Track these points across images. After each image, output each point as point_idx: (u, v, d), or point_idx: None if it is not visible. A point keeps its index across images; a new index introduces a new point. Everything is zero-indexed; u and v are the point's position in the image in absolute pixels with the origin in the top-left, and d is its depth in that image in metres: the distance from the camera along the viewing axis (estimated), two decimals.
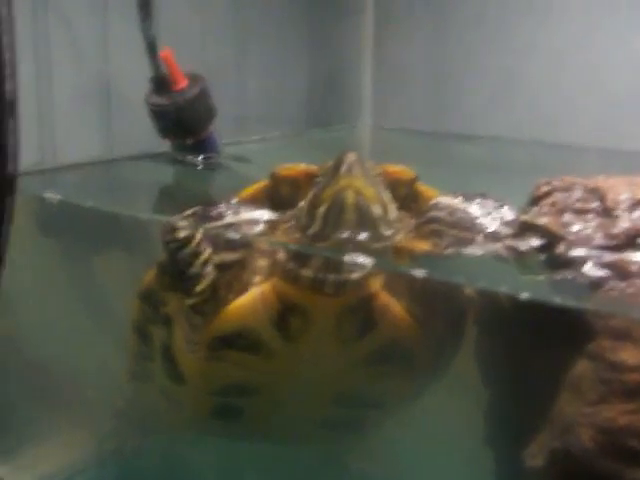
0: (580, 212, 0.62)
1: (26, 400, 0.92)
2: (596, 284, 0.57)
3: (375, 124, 1.54)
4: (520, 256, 0.62)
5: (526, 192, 0.67)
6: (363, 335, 0.70)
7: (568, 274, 0.58)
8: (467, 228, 0.68)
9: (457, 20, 1.40)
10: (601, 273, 0.57)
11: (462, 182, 0.92)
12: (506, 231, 0.66)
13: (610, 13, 1.22)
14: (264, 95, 1.38)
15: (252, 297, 0.71)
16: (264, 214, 0.72)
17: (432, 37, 1.43)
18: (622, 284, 0.56)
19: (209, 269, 0.70)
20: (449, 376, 0.74)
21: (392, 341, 0.71)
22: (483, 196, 0.70)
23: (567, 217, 0.62)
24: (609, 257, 0.58)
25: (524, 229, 0.64)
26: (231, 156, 1.10)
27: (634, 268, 0.57)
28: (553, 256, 0.60)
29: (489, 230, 0.67)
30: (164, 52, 1.01)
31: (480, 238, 0.67)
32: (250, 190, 0.75)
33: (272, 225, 0.72)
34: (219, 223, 0.71)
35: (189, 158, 1.07)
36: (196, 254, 0.70)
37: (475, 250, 0.66)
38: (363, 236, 0.64)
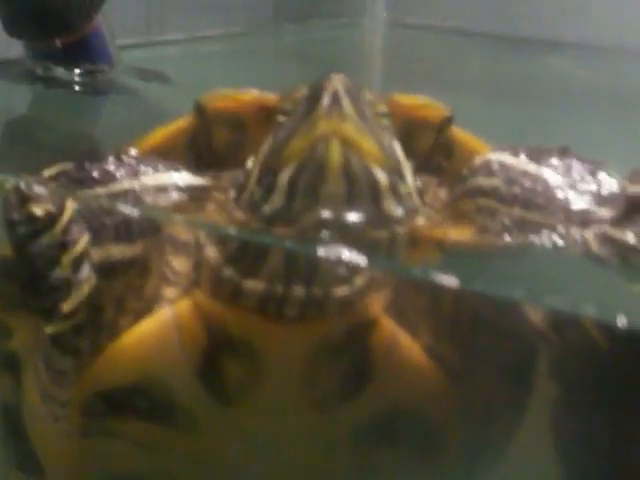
0: None
1: None
2: None
3: (391, 19, 1.53)
4: (627, 254, 0.60)
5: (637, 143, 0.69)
6: (352, 395, 0.68)
7: None
8: (537, 205, 0.67)
9: None
10: None
11: (529, 122, 0.90)
12: (604, 211, 0.65)
13: None
14: None
15: (159, 323, 0.68)
16: (183, 176, 0.70)
17: None
18: None
19: (86, 272, 0.66)
20: (504, 463, 0.72)
21: (403, 405, 0.69)
22: (564, 152, 0.69)
23: None
24: None
25: (634, 208, 0.62)
26: (134, 70, 1.06)
27: None
28: None
29: (574, 209, 0.66)
30: None
31: (558, 222, 0.65)
32: (160, 134, 0.74)
33: (197, 196, 0.70)
34: (104, 190, 0.68)
35: (58, 71, 1.01)
36: (63, 245, 0.65)
37: (550, 243, 0.64)
38: (357, 218, 0.62)
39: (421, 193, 0.68)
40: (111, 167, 0.69)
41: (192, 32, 1.31)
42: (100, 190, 0.68)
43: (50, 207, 0.64)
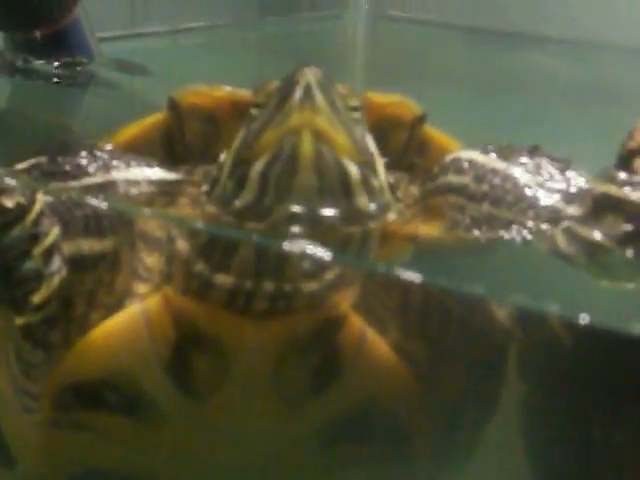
0: None
1: None
2: None
3: (374, 12, 1.53)
4: (595, 250, 0.60)
5: (612, 141, 0.64)
6: (320, 391, 0.68)
7: None
8: (506, 202, 0.67)
9: None
10: None
11: (510, 116, 0.91)
12: (572, 209, 0.64)
13: None
14: None
15: (129, 319, 0.68)
16: (155, 171, 0.70)
17: None
18: None
19: (56, 264, 0.65)
20: (472, 461, 0.72)
21: (370, 402, 0.69)
22: (533, 151, 0.70)
23: None
24: None
25: (602, 206, 0.61)
26: (114, 62, 1.05)
27: None
28: None
29: (542, 207, 0.66)
30: None
31: (527, 219, 0.65)
32: (134, 129, 0.74)
33: (169, 190, 0.70)
34: (76, 184, 0.68)
35: (37, 64, 1.00)
36: (34, 237, 0.64)
37: (518, 239, 0.64)
38: (327, 211, 0.62)
39: (393, 188, 0.67)
40: (84, 161, 0.69)
41: (176, 24, 1.30)
42: (72, 183, 0.68)
43: (21, 199, 0.63)
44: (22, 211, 0.63)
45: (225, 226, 0.65)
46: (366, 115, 0.67)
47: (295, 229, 0.61)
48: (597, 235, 0.60)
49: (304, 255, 0.61)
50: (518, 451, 0.70)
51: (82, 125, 0.97)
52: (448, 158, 0.71)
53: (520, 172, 0.68)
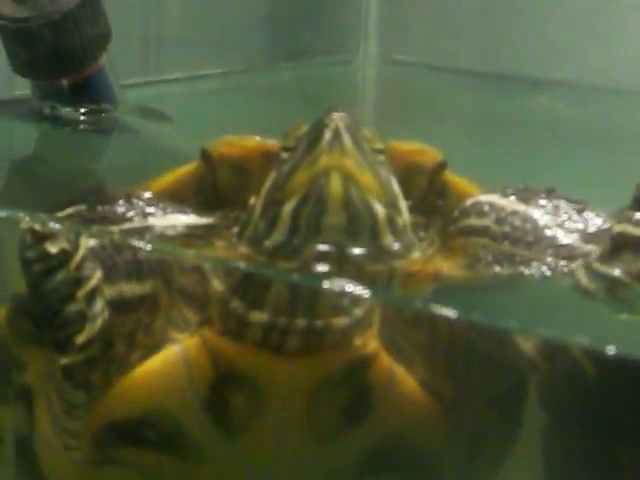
0: None
1: None
2: None
3: (383, 57, 1.53)
4: (614, 286, 0.61)
5: (626, 184, 0.64)
6: (351, 426, 0.68)
7: None
8: (527, 242, 0.67)
9: None
10: None
11: (516, 159, 0.90)
12: (590, 248, 0.65)
13: None
14: (196, 6, 1.33)
15: (168, 359, 0.68)
16: (190, 217, 0.71)
17: None
18: None
19: (99, 307, 0.66)
20: None
21: (398, 436, 0.69)
22: (551, 193, 0.70)
23: None
24: None
25: (620, 245, 0.62)
26: (137, 108, 1.06)
27: None
28: None
29: (562, 245, 0.67)
30: None
31: (547, 257, 0.66)
32: (169, 178, 0.75)
33: (204, 233, 0.70)
34: (115, 228, 0.68)
35: (64, 111, 1.00)
36: (77, 281, 0.65)
37: (540, 275, 0.65)
38: (356, 249, 0.63)
39: (416, 228, 0.67)
40: (122, 208, 0.70)
41: (189, 71, 1.29)
42: (112, 228, 0.69)
43: (65, 244, 0.64)
44: (66, 256, 0.64)
45: (260, 265, 0.65)
46: (391, 162, 0.68)
47: (324, 267, 0.62)
48: (616, 272, 0.61)
49: (338, 292, 0.62)
50: None
51: (109, 170, 0.96)
52: (469, 202, 0.72)
53: (540, 213, 0.68)
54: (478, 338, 0.69)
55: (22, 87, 1.02)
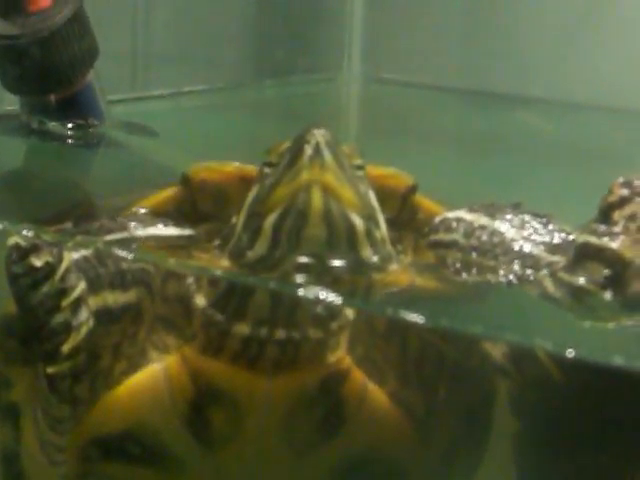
0: None
1: None
2: None
3: (367, 75, 1.54)
4: (579, 294, 0.62)
5: (593, 198, 0.66)
6: (326, 439, 0.69)
7: None
8: (493, 254, 0.69)
9: None
10: None
11: (495, 175, 0.90)
12: (556, 258, 0.66)
13: None
14: (182, 24, 1.35)
15: (151, 376, 0.69)
16: (172, 229, 0.72)
17: None
18: None
19: (84, 315, 0.67)
20: None
21: (372, 449, 0.70)
22: (516, 207, 0.72)
23: None
24: None
25: (584, 255, 0.63)
26: (123, 123, 1.05)
27: None
28: (628, 295, 0.60)
29: (529, 256, 0.68)
30: None
31: (514, 267, 0.67)
32: (149, 201, 0.75)
33: (186, 244, 0.72)
34: (100, 239, 0.69)
35: (51, 126, 1.00)
36: (62, 291, 0.66)
37: (506, 284, 0.66)
38: (335, 261, 0.63)
39: (393, 241, 0.68)
40: (105, 222, 0.71)
41: (175, 87, 1.30)
42: (96, 239, 0.69)
43: (49, 257, 0.65)
44: (51, 268, 0.65)
45: (239, 274, 0.67)
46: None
47: (304, 278, 0.62)
48: (580, 280, 0.62)
49: (315, 301, 0.63)
50: None
51: (95, 183, 0.97)
52: (437, 219, 0.73)
53: (506, 227, 0.69)
54: (448, 348, 0.70)
55: (11, 102, 1.02)
